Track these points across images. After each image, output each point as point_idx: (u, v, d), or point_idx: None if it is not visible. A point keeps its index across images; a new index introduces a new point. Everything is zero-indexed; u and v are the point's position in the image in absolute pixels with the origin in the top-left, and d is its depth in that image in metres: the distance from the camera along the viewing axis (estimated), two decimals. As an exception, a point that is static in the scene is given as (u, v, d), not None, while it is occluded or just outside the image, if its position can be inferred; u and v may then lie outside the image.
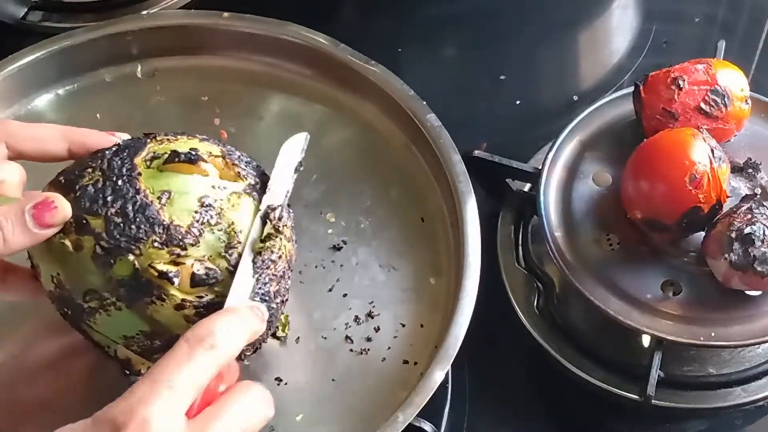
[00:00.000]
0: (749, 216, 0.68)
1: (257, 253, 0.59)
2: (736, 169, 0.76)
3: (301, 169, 0.64)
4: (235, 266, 0.59)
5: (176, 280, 0.57)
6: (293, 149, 0.64)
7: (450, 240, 0.74)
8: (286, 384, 0.68)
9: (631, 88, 0.77)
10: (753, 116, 0.76)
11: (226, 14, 0.84)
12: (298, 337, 0.70)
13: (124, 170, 0.59)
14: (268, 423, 0.54)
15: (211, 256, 0.59)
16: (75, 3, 0.92)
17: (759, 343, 0.72)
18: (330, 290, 0.72)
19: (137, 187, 0.59)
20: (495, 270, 0.77)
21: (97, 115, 0.82)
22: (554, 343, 0.74)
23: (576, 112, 0.80)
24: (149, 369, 0.51)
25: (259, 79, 0.84)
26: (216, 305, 0.58)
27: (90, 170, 0.60)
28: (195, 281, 0.58)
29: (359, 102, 0.82)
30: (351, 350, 0.69)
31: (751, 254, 0.67)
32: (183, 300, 0.58)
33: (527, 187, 0.81)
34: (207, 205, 0.59)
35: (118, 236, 0.57)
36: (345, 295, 0.72)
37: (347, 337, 0.70)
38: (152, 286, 0.57)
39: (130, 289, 0.58)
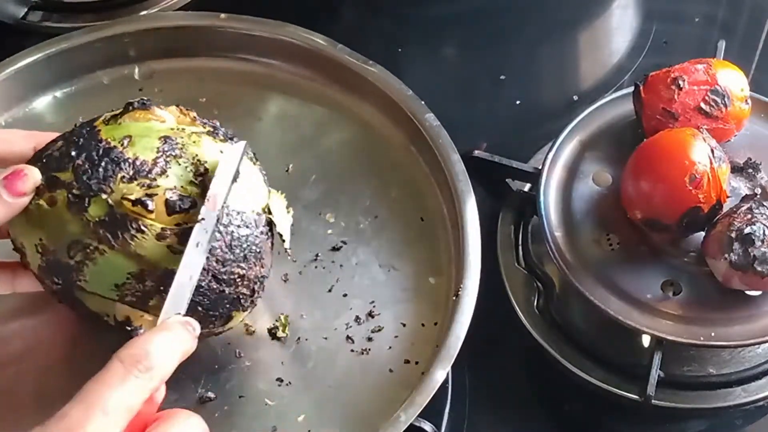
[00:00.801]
0: (749, 216, 0.68)
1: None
2: (736, 169, 0.76)
3: (238, 178, 0.62)
4: (206, 195, 0.60)
5: (151, 205, 0.58)
6: (232, 158, 0.62)
7: (450, 239, 0.74)
8: (287, 384, 0.68)
9: (631, 88, 0.77)
10: (753, 116, 0.76)
11: (223, 15, 0.84)
12: (298, 338, 0.70)
13: (84, 131, 0.62)
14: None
15: (182, 185, 0.60)
16: (75, 3, 0.92)
17: (759, 343, 0.72)
18: (330, 290, 0.72)
19: (98, 138, 0.61)
20: (495, 270, 0.77)
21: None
22: (554, 343, 0.74)
23: (576, 112, 0.80)
24: (80, 392, 0.50)
25: (258, 81, 0.84)
26: (204, 230, 0.59)
27: (54, 143, 0.62)
28: (170, 208, 0.59)
29: (358, 102, 0.82)
30: (352, 350, 0.69)
31: (751, 254, 0.67)
32: (163, 229, 0.59)
33: (527, 187, 0.81)
34: (169, 141, 0.61)
35: (87, 180, 0.59)
36: (345, 295, 0.72)
37: (348, 337, 0.70)
38: (129, 219, 0.58)
39: (109, 228, 0.58)
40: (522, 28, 0.98)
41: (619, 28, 1.01)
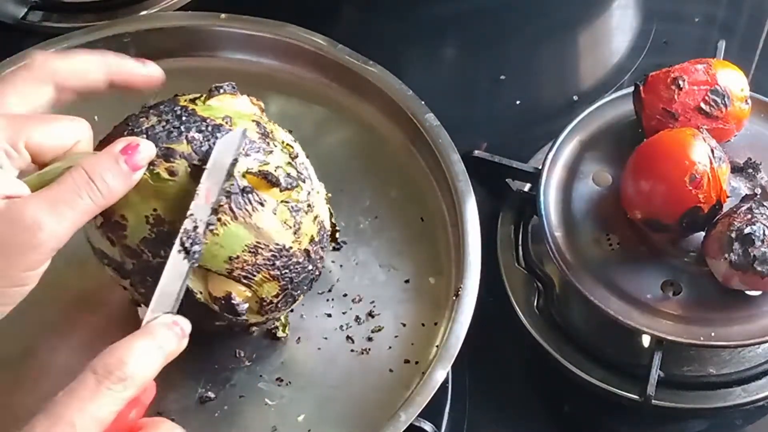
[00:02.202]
0: (749, 216, 0.68)
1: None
2: (736, 169, 0.76)
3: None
4: (303, 176, 0.63)
5: (274, 179, 0.60)
6: (227, 148, 0.62)
7: (450, 239, 0.73)
8: (287, 384, 0.68)
9: (631, 88, 0.77)
10: (753, 116, 0.77)
11: (223, 16, 0.84)
12: (298, 338, 0.70)
13: (177, 109, 0.62)
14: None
15: (281, 166, 0.62)
16: (75, 3, 0.92)
17: (759, 343, 0.72)
18: (330, 290, 0.72)
19: (200, 116, 0.61)
20: (495, 270, 0.77)
21: (95, 117, 0.81)
22: (554, 343, 0.75)
23: (576, 112, 0.80)
24: (50, 403, 0.49)
25: (258, 81, 0.83)
26: (300, 209, 0.62)
27: (143, 119, 0.62)
28: (281, 184, 0.61)
29: (358, 102, 0.82)
30: (352, 350, 0.69)
31: (751, 254, 0.67)
32: (281, 202, 0.61)
33: (527, 187, 0.82)
34: (260, 125, 0.63)
35: (207, 152, 0.59)
36: (345, 295, 0.72)
37: (348, 337, 0.70)
38: (252, 192, 0.60)
39: (234, 198, 0.59)
40: (522, 28, 0.98)
41: (619, 28, 1.01)
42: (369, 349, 0.69)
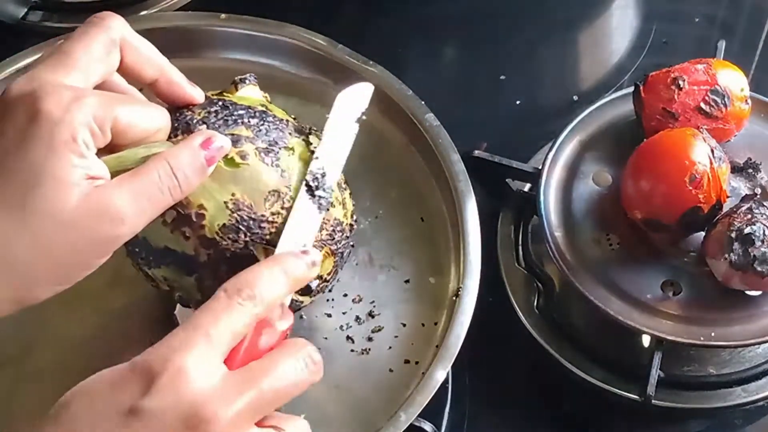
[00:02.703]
0: (749, 216, 0.68)
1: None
2: (736, 169, 0.76)
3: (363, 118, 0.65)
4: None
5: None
6: (352, 101, 0.64)
7: (450, 239, 0.73)
8: (287, 384, 0.68)
9: (631, 88, 0.77)
10: (753, 116, 0.77)
11: (223, 15, 0.84)
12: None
13: (216, 102, 0.62)
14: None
15: (317, 145, 0.63)
16: (75, 3, 0.92)
17: (759, 343, 0.72)
18: (330, 290, 0.72)
19: (243, 104, 0.62)
20: (495, 270, 0.77)
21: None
22: (554, 343, 0.75)
23: (576, 112, 0.80)
24: (190, 317, 0.50)
25: (258, 81, 0.83)
26: (341, 186, 0.65)
27: (188, 113, 0.61)
28: None
29: (358, 102, 0.82)
30: (352, 350, 0.69)
31: (751, 254, 0.67)
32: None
33: (527, 187, 0.81)
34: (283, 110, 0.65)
35: (266, 135, 0.61)
36: (345, 295, 0.72)
37: (348, 337, 0.70)
38: (314, 170, 0.61)
39: (303, 177, 0.61)
40: (522, 28, 0.98)
41: (619, 28, 1.01)
42: (369, 349, 0.69)
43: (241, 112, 0.61)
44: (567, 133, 0.78)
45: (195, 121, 0.60)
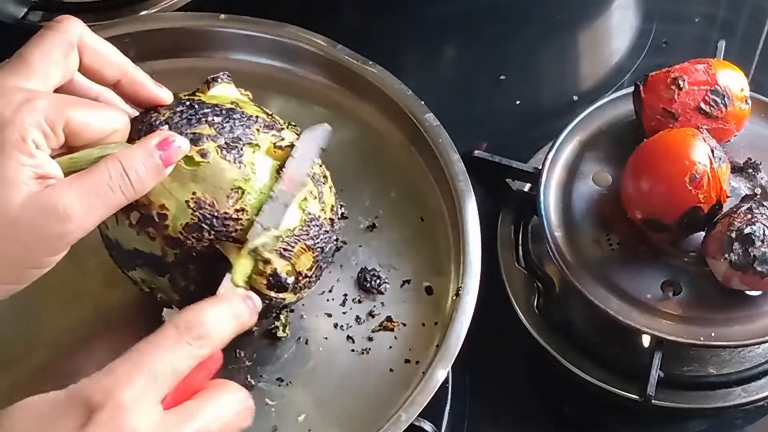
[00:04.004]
0: (749, 216, 0.68)
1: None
2: (736, 169, 0.76)
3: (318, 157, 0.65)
4: None
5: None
6: (313, 139, 0.65)
7: (450, 239, 0.74)
8: (288, 384, 0.68)
9: (631, 88, 0.77)
10: (753, 116, 0.77)
11: (223, 16, 0.84)
12: (299, 338, 0.70)
13: (184, 102, 0.62)
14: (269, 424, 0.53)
15: (293, 141, 0.63)
16: (75, 3, 0.92)
17: (759, 343, 0.72)
18: (330, 290, 0.72)
19: (211, 103, 0.62)
20: (495, 270, 0.77)
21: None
22: (554, 343, 0.75)
23: (576, 112, 0.80)
24: (130, 350, 0.50)
25: (257, 81, 0.83)
26: (318, 180, 0.64)
27: (154, 114, 0.62)
28: None
29: (357, 102, 0.82)
30: (352, 350, 0.69)
31: (751, 254, 0.67)
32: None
33: (527, 187, 0.81)
34: (263, 109, 0.65)
35: (230, 132, 0.61)
36: (345, 295, 0.72)
37: (348, 337, 0.70)
38: (280, 164, 0.61)
39: (272, 173, 0.61)
40: (522, 28, 0.98)
41: (619, 28, 1.01)
42: (369, 349, 0.69)
43: (206, 110, 0.62)
44: (567, 133, 0.78)
45: (158, 122, 0.61)
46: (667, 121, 0.74)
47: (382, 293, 0.71)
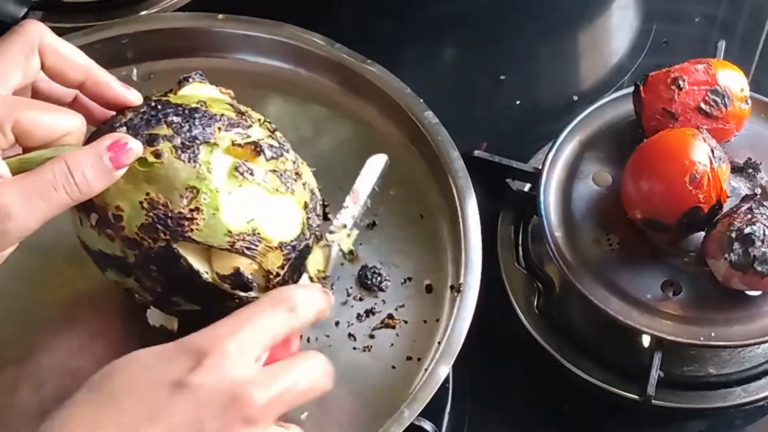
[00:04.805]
0: (749, 216, 0.68)
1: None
2: (736, 169, 0.76)
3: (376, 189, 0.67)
4: (285, 147, 0.64)
5: (265, 149, 0.61)
6: (375, 166, 0.67)
7: (450, 236, 0.73)
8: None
9: (631, 88, 0.78)
10: (753, 116, 0.77)
11: (221, 16, 0.84)
12: (300, 335, 0.70)
13: (151, 103, 0.62)
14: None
15: (263, 138, 0.63)
16: (75, 3, 0.92)
17: (759, 343, 0.72)
18: (331, 288, 0.72)
19: (175, 103, 0.62)
20: (495, 270, 0.77)
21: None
22: (554, 343, 0.75)
23: (576, 112, 0.80)
24: (235, 312, 0.53)
25: (256, 81, 0.83)
26: (289, 177, 0.63)
27: (119, 116, 0.62)
28: (267, 154, 0.62)
29: (356, 101, 0.82)
30: (354, 348, 0.69)
31: (751, 254, 0.67)
32: (270, 171, 0.62)
33: (527, 187, 0.81)
34: (236, 107, 0.65)
35: (188, 132, 0.60)
36: (347, 293, 0.72)
37: (350, 335, 0.70)
38: (239, 162, 0.60)
39: (223, 171, 0.60)
40: (522, 28, 0.98)
41: (619, 28, 1.01)
42: (371, 347, 0.69)
43: (168, 111, 0.61)
44: (567, 133, 0.78)
45: (118, 124, 0.61)
46: (667, 121, 0.74)
47: (383, 291, 0.72)
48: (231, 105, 0.65)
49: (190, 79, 0.65)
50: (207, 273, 0.61)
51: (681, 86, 0.74)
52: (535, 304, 0.76)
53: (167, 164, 0.59)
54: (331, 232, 0.64)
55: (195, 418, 0.49)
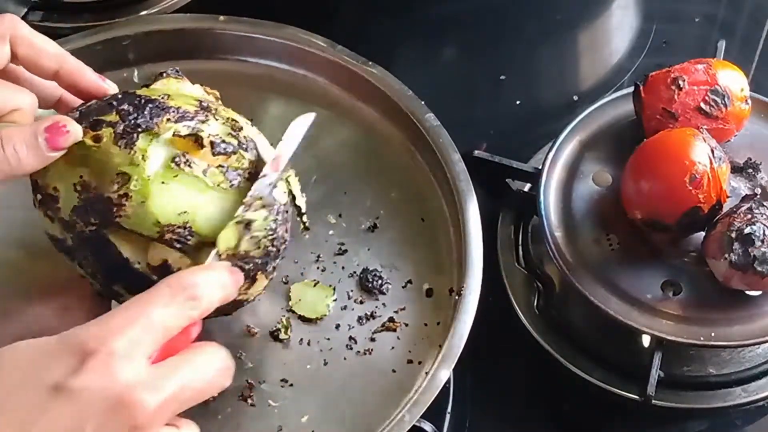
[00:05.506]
0: (749, 216, 0.68)
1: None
2: (736, 169, 0.76)
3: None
4: (244, 146, 0.62)
5: (204, 140, 0.60)
6: (300, 126, 0.65)
7: (451, 239, 0.73)
8: (291, 385, 0.68)
9: (631, 88, 0.78)
10: (753, 116, 0.77)
11: (222, 18, 0.84)
12: (301, 339, 0.70)
13: (118, 94, 0.63)
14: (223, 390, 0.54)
15: (218, 134, 0.62)
16: (75, 3, 0.92)
17: (759, 343, 0.72)
18: (333, 293, 0.72)
19: (139, 94, 0.62)
20: (495, 270, 0.78)
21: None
22: (554, 343, 0.75)
23: (576, 112, 0.80)
24: (125, 303, 0.51)
25: (257, 82, 0.84)
26: (239, 175, 0.61)
27: (86, 104, 0.63)
28: (216, 148, 0.61)
29: (358, 103, 0.82)
30: (355, 351, 0.69)
31: (751, 254, 0.67)
32: (209, 166, 0.61)
33: (527, 187, 0.82)
34: (203, 103, 0.63)
35: (133, 120, 0.60)
36: (347, 296, 0.72)
37: (351, 338, 0.70)
38: (179, 153, 0.60)
39: (160, 161, 0.60)
40: (522, 28, 0.98)
41: (619, 28, 1.01)
42: (371, 350, 0.69)
43: (126, 100, 0.62)
44: (567, 133, 0.78)
45: (76, 109, 0.62)
46: (667, 121, 0.74)
47: (383, 294, 0.72)
48: (199, 101, 0.64)
49: (165, 74, 0.66)
50: (139, 263, 0.61)
51: (681, 86, 0.74)
52: (535, 304, 0.77)
53: (104, 149, 0.59)
54: (244, 205, 0.60)
55: (75, 426, 0.47)
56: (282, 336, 0.69)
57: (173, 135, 0.60)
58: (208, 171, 0.60)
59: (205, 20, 0.84)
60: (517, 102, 0.92)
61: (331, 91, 0.83)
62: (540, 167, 0.77)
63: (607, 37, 1.01)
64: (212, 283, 0.54)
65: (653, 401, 0.71)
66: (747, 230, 0.67)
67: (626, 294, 0.71)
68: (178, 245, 0.60)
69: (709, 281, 0.71)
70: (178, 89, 0.65)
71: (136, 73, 0.84)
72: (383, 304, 0.71)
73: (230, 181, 0.61)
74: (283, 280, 0.72)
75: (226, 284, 0.55)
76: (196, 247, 0.60)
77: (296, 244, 0.73)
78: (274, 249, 0.62)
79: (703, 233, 0.71)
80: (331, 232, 0.75)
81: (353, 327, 0.70)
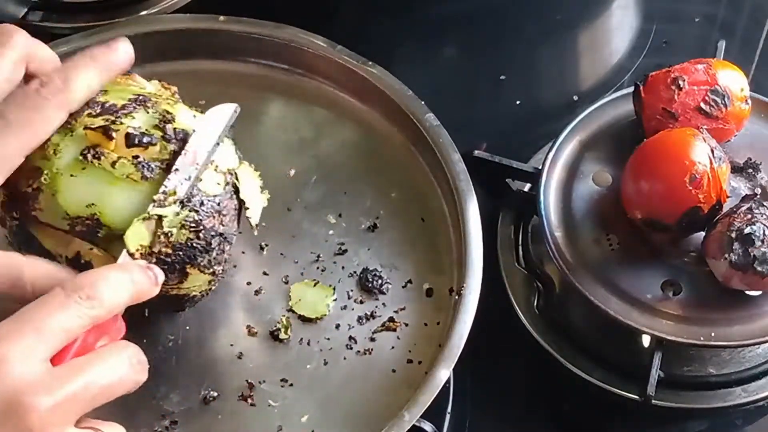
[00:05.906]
0: (749, 216, 0.68)
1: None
2: (736, 169, 0.76)
3: (224, 141, 0.64)
4: (168, 137, 0.61)
5: (113, 133, 0.60)
6: (216, 117, 0.64)
7: (451, 239, 0.74)
8: (291, 385, 0.68)
9: (631, 88, 0.77)
10: (753, 116, 0.77)
11: (222, 18, 0.84)
12: (301, 339, 0.70)
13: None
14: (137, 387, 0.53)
15: (145, 128, 0.61)
16: (75, 3, 0.92)
17: (759, 343, 0.72)
18: (333, 292, 0.72)
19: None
20: (495, 270, 0.77)
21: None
22: (554, 343, 0.75)
23: (576, 112, 0.80)
24: (20, 310, 0.50)
25: (257, 83, 0.83)
26: (155, 166, 0.60)
27: None
28: (129, 140, 0.60)
29: (358, 103, 0.82)
30: (355, 351, 0.69)
31: (751, 254, 0.67)
32: (119, 157, 0.60)
33: (527, 187, 0.81)
34: (142, 97, 0.63)
35: None
36: (347, 296, 0.72)
37: (351, 338, 0.70)
38: (88, 146, 0.60)
39: (71, 154, 0.60)
40: (522, 28, 0.98)
41: (619, 28, 1.01)
42: (371, 350, 0.69)
43: None
44: (567, 133, 0.78)
45: None
46: (667, 121, 0.74)
47: (383, 293, 0.72)
48: (137, 96, 0.63)
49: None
50: (61, 256, 0.61)
51: (681, 86, 0.74)
52: (535, 304, 0.77)
53: None
54: (155, 203, 0.59)
55: None
56: (282, 336, 0.69)
57: (84, 128, 0.60)
58: (117, 163, 0.60)
59: (205, 20, 0.84)
60: (517, 102, 0.92)
61: (331, 91, 0.83)
62: (540, 167, 0.77)
63: (607, 37, 1.01)
64: (113, 281, 0.53)
65: (653, 401, 0.71)
66: (747, 230, 0.67)
67: (626, 294, 0.71)
68: (88, 237, 0.60)
69: (709, 281, 0.70)
70: (126, 85, 0.65)
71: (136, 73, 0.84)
72: (383, 303, 0.71)
73: (143, 173, 0.60)
74: (283, 280, 0.72)
75: (137, 281, 0.55)
76: (107, 239, 0.60)
77: (296, 244, 0.73)
78: (203, 242, 0.62)
79: (703, 233, 0.71)
80: (331, 232, 0.75)
81: (353, 327, 0.70)
